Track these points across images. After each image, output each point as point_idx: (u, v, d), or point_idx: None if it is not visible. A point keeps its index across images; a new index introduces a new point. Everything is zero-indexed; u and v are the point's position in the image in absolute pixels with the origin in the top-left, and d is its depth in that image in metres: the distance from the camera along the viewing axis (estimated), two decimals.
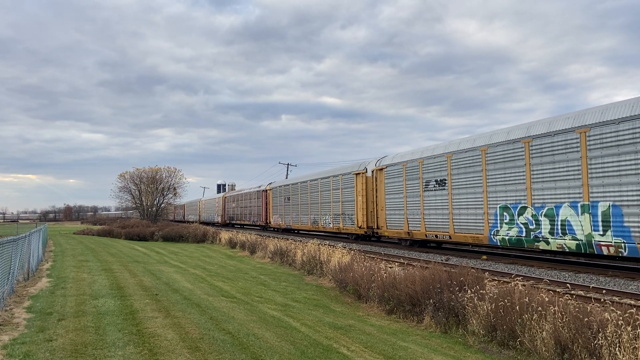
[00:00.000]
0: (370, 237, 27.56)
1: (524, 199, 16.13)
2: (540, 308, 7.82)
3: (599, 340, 6.63)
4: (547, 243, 15.24)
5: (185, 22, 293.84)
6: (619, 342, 6.42)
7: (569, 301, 8.09)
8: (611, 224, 13.26)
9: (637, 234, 12.57)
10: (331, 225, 31.15)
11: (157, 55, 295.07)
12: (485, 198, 17.81)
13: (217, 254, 26.29)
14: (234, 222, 58.06)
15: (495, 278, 12.47)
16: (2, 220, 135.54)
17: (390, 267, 14.64)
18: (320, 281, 15.85)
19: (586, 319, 7.08)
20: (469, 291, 9.29)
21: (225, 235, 33.52)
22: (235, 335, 7.62)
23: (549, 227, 15.16)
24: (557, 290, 10.97)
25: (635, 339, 6.35)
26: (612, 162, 13.27)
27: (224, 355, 6.53)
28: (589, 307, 7.74)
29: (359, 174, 27.50)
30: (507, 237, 16.84)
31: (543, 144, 15.41)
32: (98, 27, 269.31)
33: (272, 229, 44.49)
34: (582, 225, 14.08)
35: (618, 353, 6.30)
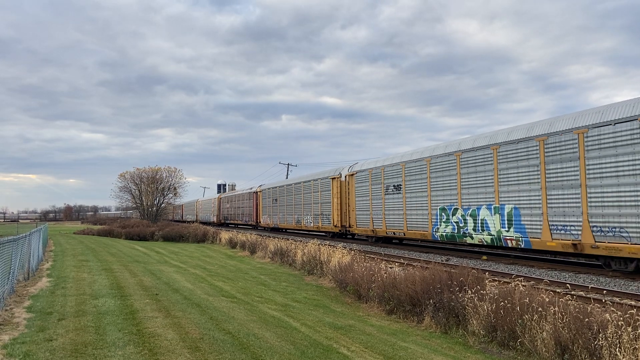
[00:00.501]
0: (344, 234, 30.68)
1: (456, 202, 19.47)
2: (540, 308, 7.81)
3: (599, 340, 6.63)
4: (472, 238, 18.58)
5: (186, 22, 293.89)
6: (619, 342, 6.42)
7: (569, 302, 8.08)
8: (513, 222, 16.63)
9: (530, 230, 15.89)
10: (312, 224, 34.49)
11: (157, 55, 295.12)
12: (429, 201, 21.15)
13: (217, 254, 26.30)
14: (228, 221, 60.68)
15: (496, 278, 12.47)
16: (3, 220, 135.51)
17: (391, 268, 14.64)
18: (320, 281, 15.85)
19: (586, 320, 7.07)
20: (469, 291, 9.29)
21: (225, 235, 33.54)
22: (235, 335, 7.61)
23: (473, 224, 18.52)
24: (558, 290, 10.97)
25: (636, 340, 6.35)
26: (513, 173, 16.65)
27: (224, 355, 6.53)
28: (589, 308, 7.74)
29: (334, 178, 30.83)
30: (444, 234, 20.12)
31: (469, 157, 18.78)
32: (98, 27, 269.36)
33: (262, 228, 47.61)
34: (494, 223, 17.48)
35: (618, 354, 6.30)
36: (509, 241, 16.78)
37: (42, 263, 18.54)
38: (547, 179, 15.25)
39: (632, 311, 6.93)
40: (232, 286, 13.92)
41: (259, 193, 48.11)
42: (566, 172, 14.61)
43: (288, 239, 27.06)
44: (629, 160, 12.85)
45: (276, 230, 43.53)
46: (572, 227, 14.35)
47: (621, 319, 6.72)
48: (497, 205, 17.23)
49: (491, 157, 17.56)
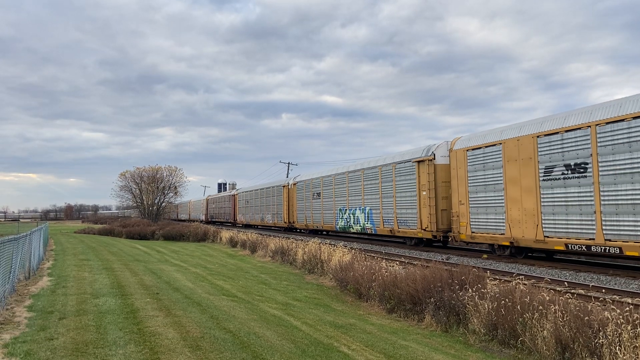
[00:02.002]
0: (291, 229, 40.27)
1: (346, 205, 29.54)
2: (541, 307, 7.81)
3: (599, 339, 6.63)
4: (353, 228, 28.43)
5: (186, 20, 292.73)
6: (620, 341, 6.42)
7: (569, 300, 8.08)
8: (369, 218, 26.43)
9: (376, 222, 25.63)
10: (271, 221, 44.08)
11: (157, 54, 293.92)
12: (334, 204, 31.21)
13: (217, 253, 26.32)
14: (214, 219, 67.66)
15: (497, 277, 12.47)
16: (3, 220, 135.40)
17: (391, 266, 14.63)
18: (321, 280, 15.86)
19: (587, 318, 7.08)
20: (470, 290, 9.29)
21: (226, 234, 33.55)
22: (236, 334, 7.62)
23: (353, 220, 28.45)
24: (558, 289, 10.98)
25: (636, 338, 6.36)
26: (369, 187, 26.62)
27: (225, 354, 6.53)
28: (589, 306, 7.74)
29: (285, 186, 40.80)
30: (340, 226, 30.17)
31: (352, 176, 28.93)
32: (98, 26, 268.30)
33: (239, 225, 55.67)
34: (362, 219, 27.36)
35: (618, 352, 6.30)
36: (368, 229, 26.48)
37: (43, 262, 18.56)
38: (382, 192, 25.15)
39: (629, 308, 6.93)
40: (232, 285, 13.93)
41: (235, 196, 56.95)
42: (388, 187, 24.57)
43: (289, 238, 27.13)
44: (410, 183, 22.70)
45: (248, 226, 52.22)
46: (391, 220, 24.30)
47: (621, 317, 6.73)
48: (363, 207, 27.13)
49: (360, 176, 27.63)
